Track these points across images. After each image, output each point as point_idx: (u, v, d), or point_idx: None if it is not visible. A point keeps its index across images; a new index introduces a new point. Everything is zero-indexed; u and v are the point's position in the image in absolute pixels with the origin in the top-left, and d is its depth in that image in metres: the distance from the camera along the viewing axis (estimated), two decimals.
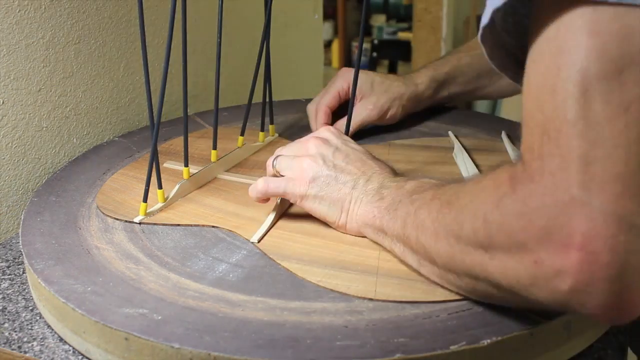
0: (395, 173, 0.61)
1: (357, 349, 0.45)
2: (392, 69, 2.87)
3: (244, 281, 0.54)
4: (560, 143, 0.38)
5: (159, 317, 0.49)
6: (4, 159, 0.72)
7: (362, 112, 0.82)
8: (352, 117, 0.75)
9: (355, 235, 0.59)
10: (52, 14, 0.74)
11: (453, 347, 0.45)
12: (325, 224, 0.62)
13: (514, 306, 0.47)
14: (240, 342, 0.46)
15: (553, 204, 0.38)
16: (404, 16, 3.80)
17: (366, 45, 3.23)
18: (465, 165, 0.72)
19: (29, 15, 0.72)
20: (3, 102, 0.71)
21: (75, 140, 0.81)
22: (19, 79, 0.72)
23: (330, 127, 0.65)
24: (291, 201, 0.61)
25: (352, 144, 0.63)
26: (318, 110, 0.82)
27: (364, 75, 0.83)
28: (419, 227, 0.49)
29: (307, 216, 0.64)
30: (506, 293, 0.43)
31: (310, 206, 0.59)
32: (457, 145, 0.78)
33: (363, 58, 3.53)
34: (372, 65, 2.86)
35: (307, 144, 0.62)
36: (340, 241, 0.59)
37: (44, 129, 0.76)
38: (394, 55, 2.83)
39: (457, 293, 0.50)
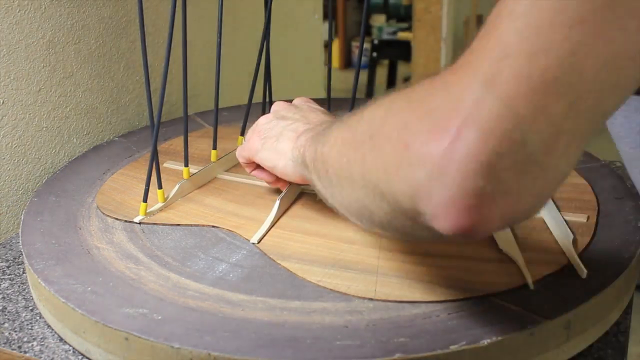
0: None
1: (357, 348, 0.45)
2: (392, 69, 2.87)
3: (244, 281, 0.54)
4: (490, 37, 0.34)
5: (159, 317, 0.49)
6: (4, 159, 0.72)
7: None
8: None
9: (301, 182, 0.58)
10: (52, 14, 0.74)
11: (453, 347, 0.45)
12: (325, 224, 0.62)
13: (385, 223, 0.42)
14: (240, 342, 0.46)
15: (456, 88, 0.34)
16: (404, 16, 3.81)
17: (366, 45, 3.23)
18: None
19: (29, 15, 0.72)
20: (3, 102, 0.71)
21: (75, 140, 0.81)
22: (19, 79, 0.72)
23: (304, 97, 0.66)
24: (251, 159, 0.62)
25: (314, 104, 0.63)
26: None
27: None
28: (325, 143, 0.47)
29: (307, 216, 0.64)
30: (374, 193, 0.39)
31: (261, 157, 0.60)
32: None
33: (363, 58, 3.54)
34: (372, 65, 2.86)
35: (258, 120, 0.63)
36: (340, 241, 0.59)
37: (44, 129, 0.76)
38: (394, 55, 2.83)
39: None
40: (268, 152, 0.59)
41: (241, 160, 0.64)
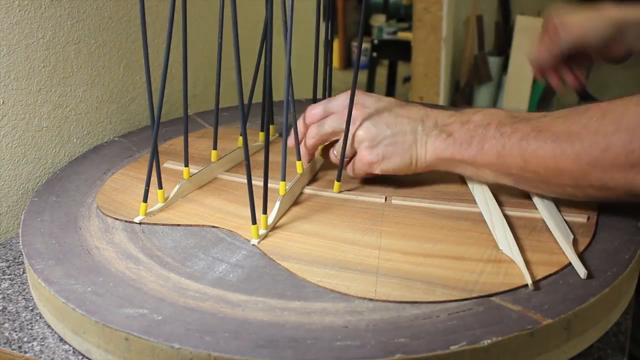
0: (430, 107, 0.67)
1: (357, 349, 0.45)
2: (392, 69, 2.87)
3: (244, 281, 0.54)
4: None
5: (159, 317, 0.49)
6: (4, 159, 0.72)
7: (580, 20, 0.85)
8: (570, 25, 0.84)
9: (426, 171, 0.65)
10: (52, 14, 0.74)
11: (453, 348, 0.45)
12: (325, 224, 0.62)
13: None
14: (240, 343, 0.46)
15: None
16: (404, 16, 3.80)
17: (366, 45, 3.23)
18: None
19: (29, 15, 0.72)
20: (3, 102, 0.71)
21: (75, 140, 0.81)
22: (19, 79, 0.72)
23: (348, 92, 0.67)
24: (364, 172, 0.67)
25: (384, 97, 0.68)
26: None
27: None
28: (528, 156, 0.57)
29: (307, 216, 0.64)
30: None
31: (382, 168, 0.65)
32: None
33: (363, 58, 3.53)
34: (372, 65, 2.86)
35: (345, 111, 0.65)
36: (340, 241, 0.59)
37: (44, 129, 0.76)
38: (394, 55, 2.83)
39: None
40: (394, 163, 0.65)
41: (361, 176, 0.68)
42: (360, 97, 0.67)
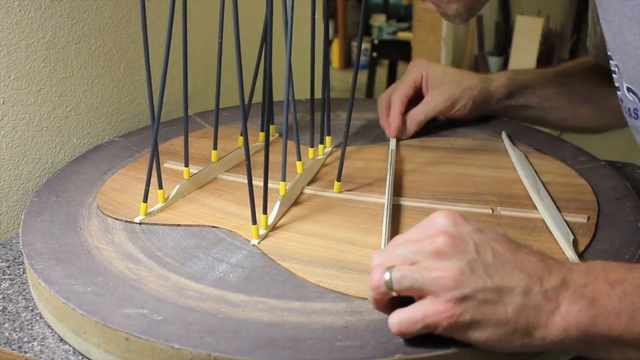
0: (553, 260, 0.45)
1: (358, 349, 0.45)
2: (392, 69, 2.87)
3: (244, 281, 0.54)
4: None
5: (160, 318, 0.49)
6: (4, 159, 0.72)
7: (431, 102, 0.81)
8: (422, 105, 0.79)
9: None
10: (53, 14, 0.74)
11: (453, 348, 0.45)
12: (325, 224, 0.62)
13: None
14: (240, 343, 0.46)
15: None
16: (404, 16, 3.80)
17: (366, 45, 3.23)
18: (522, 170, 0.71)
19: (29, 15, 0.72)
20: (3, 102, 0.71)
21: (75, 140, 0.81)
22: (19, 79, 0.72)
23: (449, 212, 0.46)
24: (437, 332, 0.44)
25: (488, 229, 0.46)
26: (394, 99, 0.81)
27: (436, 66, 0.83)
28: None
29: (307, 217, 0.64)
30: None
31: (472, 336, 0.43)
32: (511, 149, 0.77)
33: (363, 58, 3.53)
34: (372, 65, 2.86)
35: (434, 242, 0.44)
36: (340, 241, 0.59)
37: (44, 129, 0.76)
38: (394, 55, 2.82)
39: None
40: (484, 333, 0.43)
41: (415, 333, 0.44)
42: (451, 218, 0.46)
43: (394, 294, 0.44)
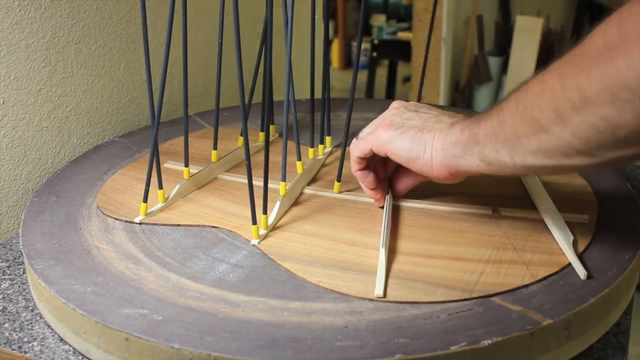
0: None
1: (358, 349, 0.45)
2: (392, 69, 2.87)
3: (244, 281, 0.54)
4: None
5: (160, 318, 0.49)
6: (4, 159, 0.72)
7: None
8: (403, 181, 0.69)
9: (440, 177, 0.58)
10: (53, 14, 0.74)
11: (453, 348, 0.45)
12: (325, 224, 0.62)
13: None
14: (240, 343, 0.46)
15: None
16: (404, 16, 3.80)
17: (366, 45, 3.23)
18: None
19: (29, 15, 0.72)
20: (3, 102, 0.71)
21: (75, 140, 0.81)
22: (19, 79, 0.72)
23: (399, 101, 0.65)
24: (379, 153, 0.61)
25: (425, 106, 0.63)
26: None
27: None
28: (522, 113, 0.48)
29: (307, 217, 0.64)
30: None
31: (395, 145, 0.59)
32: None
33: (363, 58, 3.53)
34: (372, 65, 2.86)
35: (380, 117, 0.62)
36: (340, 241, 0.59)
37: (44, 129, 0.76)
38: (393, 55, 2.82)
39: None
40: (407, 142, 0.58)
41: (356, 153, 0.63)
42: (399, 103, 0.64)
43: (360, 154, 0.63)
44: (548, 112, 0.46)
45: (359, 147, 0.62)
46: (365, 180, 0.64)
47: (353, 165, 0.64)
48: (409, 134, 0.58)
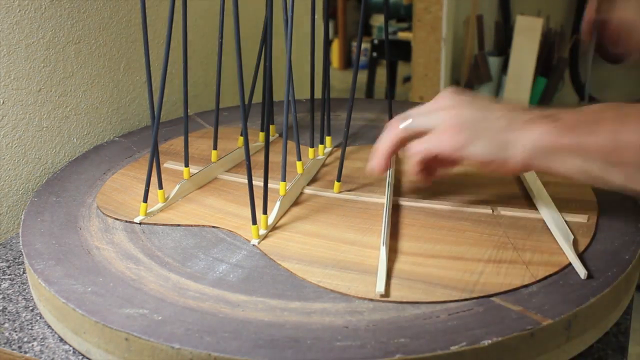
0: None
1: (358, 349, 0.45)
2: (392, 69, 2.87)
3: (244, 281, 0.54)
4: None
5: (159, 318, 0.49)
6: (4, 159, 0.72)
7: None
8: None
9: (521, 172, 0.57)
10: (53, 14, 0.74)
11: (453, 348, 0.45)
12: (325, 224, 0.62)
13: None
14: (240, 343, 0.46)
15: None
16: (404, 16, 3.80)
17: (366, 45, 3.23)
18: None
19: (29, 15, 0.72)
20: (3, 102, 0.71)
21: (75, 140, 0.81)
22: (19, 79, 0.72)
23: (451, 91, 0.59)
24: (449, 157, 0.57)
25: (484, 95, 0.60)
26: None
27: None
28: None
29: (307, 217, 0.64)
30: None
31: (468, 153, 0.55)
32: None
33: (363, 58, 3.53)
34: (372, 65, 2.86)
35: (437, 100, 0.58)
36: (340, 241, 0.59)
37: (44, 129, 0.76)
38: (394, 55, 2.82)
39: None
40: (487, 146, 0.54)
41: (419, 157, 0.58)
42: (452, 91, 0.59)
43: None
44: None
45: (421, 151, 0.57)
46: (427, 179, 0.62)
47: (414, 167, 0.60)
48: (486, 136, 0.54)
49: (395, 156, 0.76)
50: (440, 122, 0.56)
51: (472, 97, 0.58)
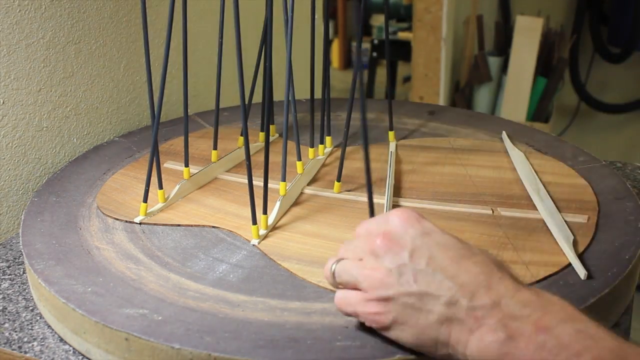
0: (502, 267, 0.45)
1: (358, 349, 0.45)
2: (392, 69, 2.87)
3: (244, 282, 0.54)
4: None
5: (160, 318, 0.49)
6: (4, 159, 0.72)
7: None
8: None
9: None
10: (53, 14, 0.74)
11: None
12: (325, 224, 0.62)
13: None
14: (240, 343, 0.46)
15: None
16: (404, 16, 3.80)
17: (366, 45, 3.23)
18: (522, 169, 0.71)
19: (29, 15, 0.72)
20: (3, 102, 0.71)
21: (75, 140, 0.81)
22: (19, 79, 0.72)
23: (405, 211, 0.47)
24: (355, 315, 0.46)
25: (438, 234, 0.46)
26: None
27: None
28: None
29: (307, 216, 0.64)
30: None
31: (393, 335, 0.45)
32: (511, 147, 0.77)
33: (363, 58, 3.53)
34: (372, 65, 2.86)
35: (373, 242, 0.45)
36: (340, 242, 0.59)
37: (44, 129, 0.76)
38: (394, 55, 2.82)
39: None
40: (406, 335, 0.44)
41: (348, 314, 0.47)
42: (403, 219, 0.46)
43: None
44: None
45: (344, 311, 0.47)
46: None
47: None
48: (412, 329, 0.43)
49: (395, 156, 0.76)
50: (363, 280, 0.45)
51: (413, 245, 0.44)
